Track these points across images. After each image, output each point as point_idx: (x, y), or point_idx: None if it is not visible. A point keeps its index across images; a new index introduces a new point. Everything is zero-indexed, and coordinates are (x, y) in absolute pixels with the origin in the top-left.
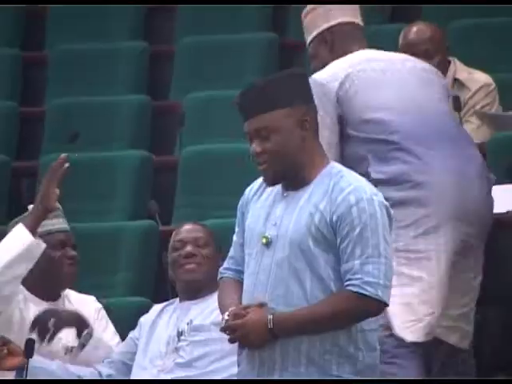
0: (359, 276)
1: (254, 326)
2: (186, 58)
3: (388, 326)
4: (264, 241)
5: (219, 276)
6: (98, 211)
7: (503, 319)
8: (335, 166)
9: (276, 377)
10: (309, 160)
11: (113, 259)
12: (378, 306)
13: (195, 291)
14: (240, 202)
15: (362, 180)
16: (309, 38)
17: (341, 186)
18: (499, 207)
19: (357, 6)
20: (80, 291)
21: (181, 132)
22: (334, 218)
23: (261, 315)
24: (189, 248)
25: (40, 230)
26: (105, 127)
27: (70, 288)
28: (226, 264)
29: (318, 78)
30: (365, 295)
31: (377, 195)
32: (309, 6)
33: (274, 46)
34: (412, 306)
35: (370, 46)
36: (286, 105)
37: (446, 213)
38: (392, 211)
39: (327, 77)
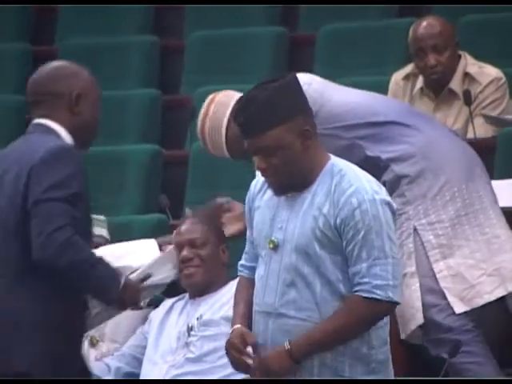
0: (367, 280)
1: (275, 360)
2: (196, 52)
3: (447, 305)
4: (271, 245)
5: (239, 271)
6: (109, 205)
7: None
8: (336, 164)
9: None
10: (312, 164)
11: None
12: (389, 307)
13: (199, 292)
14: (247, 197)
15: (363, 177)
16: None
17: (342, 186)
18: (508, 201)
19: None
20: None
21: (191, 126)
22: (338, 221)
23: (276, 350)
24: (185, 252)
25: None
26: (115, 121)
27: None
28: (242, 259)
29: None
30: (376, 299)
31: (378, 193)
32: None
33: (283, 40)
34: (461, 274)
35: (377, 42)
36: (286, 120)
37: (461, 176)
38: (395, 206)
39: None
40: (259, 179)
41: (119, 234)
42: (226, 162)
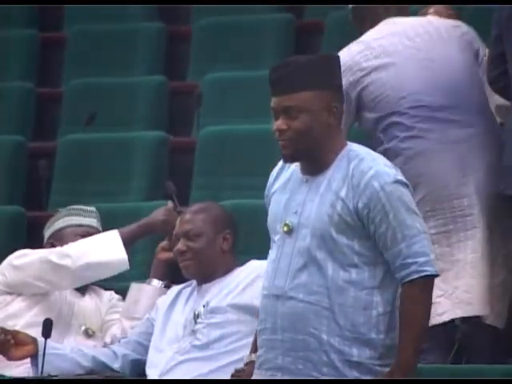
0: (411, 260)
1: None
2: (203, 39)
3: None
4: (285, 229)
5: None
6: (115, 192)
7: None
8: (353, 149)
9: (300, 366)
10: (330, 146)
11: None
12: (434, 281)
13: (201, 280)
14: (266, 189)
15: (381, 161)
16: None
17: (361, 169)
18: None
19: None
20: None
21: (198, 113)
22: (360, 205)
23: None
24: (179, 245)
25: (71, 222)
26: (122, 108)
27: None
28: None
29: None
30: (427, 276)
31: (397, 175)
32: None
33: (290, 27)
34: None
35: None
36: (318, 87)
37: (440, 195)
38: (411, 186)
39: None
40: (276, 169)
41: (126, 221)
42: (232, 149)
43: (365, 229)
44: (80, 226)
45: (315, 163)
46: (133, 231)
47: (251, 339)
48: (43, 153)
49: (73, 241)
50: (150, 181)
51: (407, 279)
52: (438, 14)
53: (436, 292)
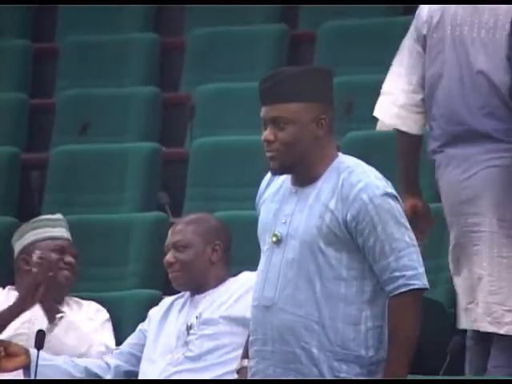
0: (399, 274)
1: None
2: (196, 50)
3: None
4: (274, 239)
5: None
6: (109, 203)
7: None
8: (343, 161)
9: (291, 377)
10: (318, 157)
11: (123, 251)
12: (422, 294)
13: (192, 291)
14: (257, 197)
15: (371, 173)
16: None
17: (351, 181)
18: None
19: None
20: (91, 283)
21: (191, 124)
22: (349, 218)
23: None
24: (168, 256)
25: (42, 236)
26: (115, 119)
27: (66, 293)
28: None
29: None
30: (415, 289)
31: (387, 187)
32: None
33: (284, 38)
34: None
35: (383, 37)
36: (307, 99)
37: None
38: (400, 200)
39: None
40: (266, 179)
41: (119, 232)
42: (225, 160)
43: (354, 241)
44: (52, 239)
45: (304, 175)
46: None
47: None
48: (36, 164)
49: (48, 255)
50: (143, 192)
51: (395, 293)
52: None
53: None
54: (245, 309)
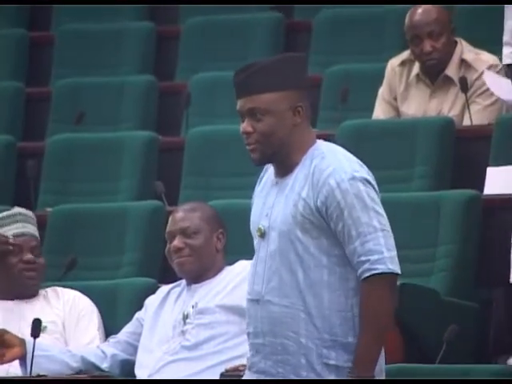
0: (364, 258)
1: None
2: (192, 39)
3: None
4: (259, 233)
5: None
6: (105, 192)
7: (509, 301)
8: (318, 147)
9: (280, 369)
10: (297, 146)
11: (119, 239)
12: (394, 279)
13: (194, 278)
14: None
15: (343, 158)
16: None
17: (320, 167)
18: (506, 188)
19: None
20: (87, 272)
21: (187, 113)
22: (319, 204)
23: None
24: (176, 242)
25: (14, 232)
26: (111, 108)
27: (34, 289)
28: None
29: None
30: (379, 274)
31: (358, 171)
32: None
33: (279, 27)
34: None
35: (379, 26)
36: (282, 88)
37: None
38: (376, 185)
39: None
40: (262, 171)
41: (115, 220)
42: (221, 149)
43: (329, 227)
44: (22, 235)
45: (283, 164)
46: None
47: (239, 340)
48: (31, 152)
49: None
50: (138, 181)
51: (362, 277)
52: (427, 13)
53: None
54: (241, 298)
